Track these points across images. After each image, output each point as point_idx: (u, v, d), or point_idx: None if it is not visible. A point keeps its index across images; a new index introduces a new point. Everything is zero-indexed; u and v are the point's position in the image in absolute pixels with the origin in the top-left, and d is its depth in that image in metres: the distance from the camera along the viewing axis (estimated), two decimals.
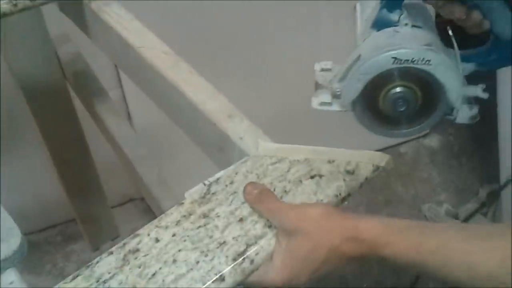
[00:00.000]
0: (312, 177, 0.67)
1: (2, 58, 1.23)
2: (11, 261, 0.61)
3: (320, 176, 0.67)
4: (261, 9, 1.59)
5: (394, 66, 0.60)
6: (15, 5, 0.90)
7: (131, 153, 1.24)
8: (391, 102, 0.63)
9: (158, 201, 1.17)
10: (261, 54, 1.67)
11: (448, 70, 0.61)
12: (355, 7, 0.71)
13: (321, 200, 0.64)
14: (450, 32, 0.64)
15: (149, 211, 1.28)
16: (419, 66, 0.60)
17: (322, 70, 0.71)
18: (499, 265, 0.50)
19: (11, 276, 0.61)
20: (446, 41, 0.65)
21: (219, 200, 0.66)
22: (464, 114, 0.64)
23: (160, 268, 0.59)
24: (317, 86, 0.69)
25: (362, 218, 0.58)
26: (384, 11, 0.64)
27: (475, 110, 0.64)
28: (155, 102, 0.93)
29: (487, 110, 1.69)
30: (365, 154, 0.68)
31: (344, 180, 0.66)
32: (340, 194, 0.65)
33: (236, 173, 0.69)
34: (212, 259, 0.59)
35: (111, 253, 0.61)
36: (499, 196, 1.73)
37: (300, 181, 0.66)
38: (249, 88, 1.68)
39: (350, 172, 0.67)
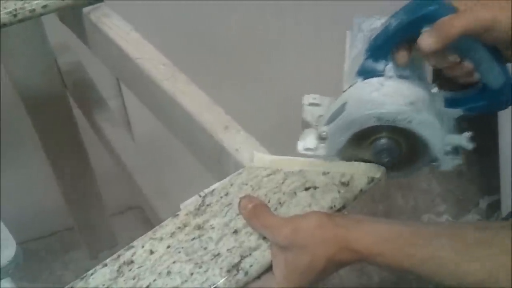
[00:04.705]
0: (306, 189, 0.66)
1: (2, 67, 1.23)
2: (6, 271, 0.62)
3: (315, 188, 0.67)
4: (260, 21, 1.60)
5: (376, 124, 0.61)
6: (15, 15, 0.91)
7: (130, 163, 1.24)
8: (375, 152, 0.64)
9: (156, 211, 1.17)
10: (259, 65, 1.68)
11: (429, 128, 0.61)
12: (346, 34, 0.70)
13: None
14: (436, 89, 0.65)
15: (148, 219, 1.29)
16: (400, 125, 0.60)
17: (310, 104, 0.72)
18: (488, 275, 0.51)
19: (7, 285, 0.62)
20: (440, 81, 0.66)
21: (214, 211, 0.66)
22: (447, 163, 0.64)
23: (154, 280, 0.59)
24: (304, 125, 0.71)
25: (353, 227, 0.58)
26: (369, 61, 0.63)
27: (458, 160, 0.64)
28: (154, 113, 0.94)
29: (488, 121, 1.70)
30: (360, 166, 0.68)
31: (339, 192, 0.66)
32: (334, 206, 0.65)
33: (231, 185, 0.68)
34: (206, 271, 0.59)
35: (106, 265, 0.61)
36: (499, 207, 1.73)
37: (295, 193, 0.66)
38: (247, 99, 1.69)
39: (345, 184, 0.67)
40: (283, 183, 0.68)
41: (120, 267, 0.61)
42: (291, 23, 1.64)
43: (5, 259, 0.62)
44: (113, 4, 1.01)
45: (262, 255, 0.61)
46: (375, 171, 0.68)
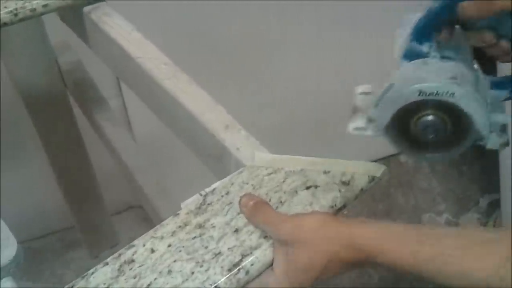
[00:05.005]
0: (307, 188, 0.67)
1: (3, 66, 1.23)
2: (7, 270, 0.62)
3: (316, 186, 0.67)
4: (262, 20, 1.60)
5: (420, 98, 0.62)
6: (16, 15, 0.91)
7: (130, 162, 1.24)
8: (421, 130, 0.65)
9: (157, 210, 1.17)
10: (260, 65, 1.68)
11: (472, 102, 0.62)
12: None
13: (317, 211, 0.64)
14: (476, 66, 0.66)
15: (149, 219, 1.29)
16: (443, 99, 0.62)
17: (362, 93, 0.73)
18: (494, 272, 0.50)
19: (7, 285, 0.62)
20: (486, 67, 0.67)
21: (215, 210, 0.66)
22: (493, 141, 0.65)
23: (155, 279, 0.59)
24: (354, 110, 0.71)
25: (358, 225, 0.58)
26: (414, 43, 0.66)
27: (504, 137, 0.65)
28: (155, 112, 0.94)
29: None
30: (360, 164, 0.68)
31: (340, 191, 0.66)
32: (335, 205, 0.65)
33: (232, 184, 0.69)
34: (207, 270, 0.60)
35: (107, 263, 0.61)
36: (499, 206, 1.74)
37: (296, 191, 0.66)
38: (248, 99, 1.69)
39: (345, 183, 0.67)
40: (284, 182, 0.68)
41: (121, 266, 0.61)
42: (293, 23, 1.64)
43: (6, 258, 0.62)
44: (114, 3, 1.01)
45: (263, 254, 0.61)
46: (376, 170, 0.68)
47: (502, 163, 1.64)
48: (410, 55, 0.66)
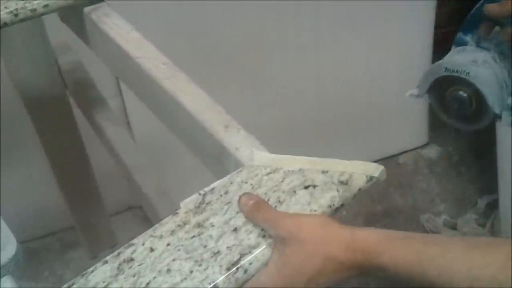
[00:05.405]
0: (306, 187, 0.67)
1: (3, 66, 1.24)
2: (6, 268, 0.62)
3: (314, 186, 0.67)
4: (262, 21, 1.60)
5: (446, 74, 0.79)
6: (16, 15, 0.91)
7: (130, 162, 1.24)
8: (451, 101, 0.80)
9: (156, 210, 1.17)
10: (260, 65, 1.68)
11: (485, 82, 0.77)
12: None
13: (315, 211, 0.64)
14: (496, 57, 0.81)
15: (148, 219, 1.29)
16: (462, 76, 0.77)
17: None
18: (500, 269, 0.50)
19: (7, 283, 0.62)
20: None
21: (214, 209, 0.66)
22: (506, 119, 0.78)
23: (154, 278, 0.59)
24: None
25: (359, 229, 0.58)
26: (461, 34, 0.84)
27: None
28: (154, 112, 0.94)
29: None
30: (359, 164, 0.68)
31: (338, 190, 0.66)
32: (333, 204, 0.65)
33: (231, 183, 0.69)
34: (206, 269, 0.60)
35: (106, 262, 0.62)
36: (497, 207, 1.74)
37: (294, 191, 0.67)
38: (247, 98, 1.69)
39: (343, 183, 0.67)
40: (282, 181, 0.68)
41: (120, 264, 0.61)
42: (293, 23, 1.64)
43: (6, 257, 0.62)
44: (114, 4, 1.01)
45: (261, 253, 0.61)
46: (374, 170, 0.68)
47: (500, 164, 1.65)
48: (457, 43, 0.84)
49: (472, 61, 0.78)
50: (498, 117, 0.78)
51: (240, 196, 0.65)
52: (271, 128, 1.72)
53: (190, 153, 0.87)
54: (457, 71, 0.78)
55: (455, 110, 0.81)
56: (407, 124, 2.02)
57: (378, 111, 1.90)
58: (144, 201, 1.24)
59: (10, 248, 0.62)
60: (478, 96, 0.77)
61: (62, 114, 1.36)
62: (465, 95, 0.79)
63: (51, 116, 1.34)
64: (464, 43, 0.84)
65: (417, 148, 2.08)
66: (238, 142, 0.75)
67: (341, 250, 0.57)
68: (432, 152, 2.08)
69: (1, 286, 0.61)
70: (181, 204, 0.67)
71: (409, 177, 2.00)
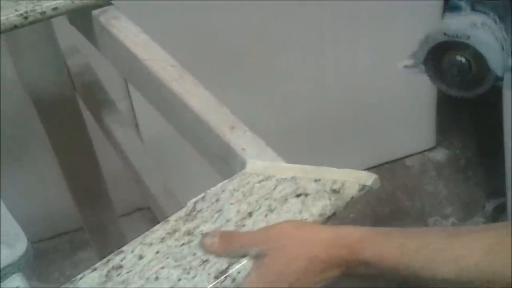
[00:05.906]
0: (297, 196, 0.66)
1: (13, 69, 1.25)
2: (16, 266, 0.62)
3: (306, 194, 0.66)
4: (267, 22, 1.61)
5: (445, 39, 0.78)
6: (26, 18, 0.92)
7: (138, 164, 1.25)
8: (449, 67, 0.80)
9: (164, 212, 1.18)
10: (266, 67, 1.69)
11: (486, 45, 0.76)
12: None
13: (306, 219, 0.63)
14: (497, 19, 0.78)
15: (156, 220, 1.30)
16: (462, 40, 0.77)
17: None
18: (483, 257, 0.50)
19: (17, 281, 0.62)
20: None
21: (204, 217, 0.65)
22: (508, 81, 0.78)
23: (142, 285, 0.59)
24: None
25: (342, 226, 0.58)
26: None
27: None
28: (162, 114, 0.95)
29: (493, 124, 1.70)
30: (351, 173, 0.67)
31: (330, 199, 0.65)
32: (325, 213, 0.64)
33: (223, 191, 0.68)
34: (194, 277, 0.59)
35: (95, 269, 0.62)
36: (505, 210, 1.73)
37: (286, 199, 0.66)
38: (253, 100, 1.70)
39: (336, 191, 0.66)
40: (274, 189, 0.67)
41: (109, 271, 0.61)
42: (298, 25, 1.65)
43: (16, 254, 0.62)
44: (122, 6, 1.02)
45: (250, 262, 0.60)
46: (367, 178, 0.67)
47: (508, 167, 1.64)
48: (451, 8, 0.82)
49: (471, 24, 0.78)
50: (499, 79, 0.77)
51: (202, 239, 0.62)
52: (278, 129, 1.73)
53: (197, 155, 0.88)
54: (457, 36, 0.78)
55: (454, 77, 0.80)
56: (415, 127, 2.02)
57: (385, 114, 1.91)
58: (152, 202, 1.25)
59: (21, 245, 0.63)
60: (478, 60, 0.77)
61: (71, 116, 1.37)
62: (464, 60, 0.78)
63: (61, 118, 1.35)
64: (458, 8, 0.82)
65: (424, 151, 2.08)
66: (245, 143, 0.75)
67: (322, 248, 0.57)
68: (440, 155, 2.07)
69: (12, 284, 0.62)
70: (188, 203, 0.67)
71: (417, 180, 2.00)
